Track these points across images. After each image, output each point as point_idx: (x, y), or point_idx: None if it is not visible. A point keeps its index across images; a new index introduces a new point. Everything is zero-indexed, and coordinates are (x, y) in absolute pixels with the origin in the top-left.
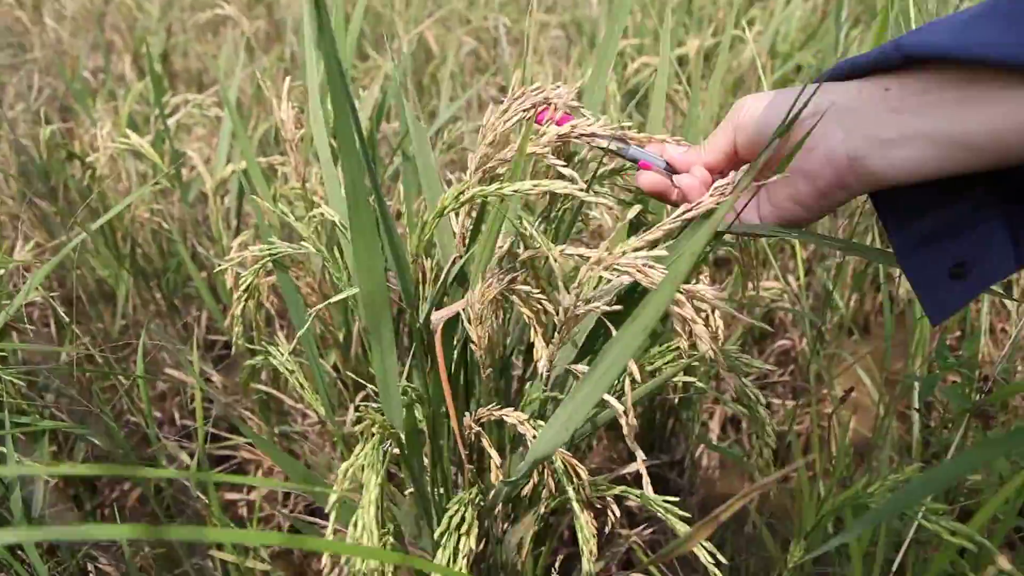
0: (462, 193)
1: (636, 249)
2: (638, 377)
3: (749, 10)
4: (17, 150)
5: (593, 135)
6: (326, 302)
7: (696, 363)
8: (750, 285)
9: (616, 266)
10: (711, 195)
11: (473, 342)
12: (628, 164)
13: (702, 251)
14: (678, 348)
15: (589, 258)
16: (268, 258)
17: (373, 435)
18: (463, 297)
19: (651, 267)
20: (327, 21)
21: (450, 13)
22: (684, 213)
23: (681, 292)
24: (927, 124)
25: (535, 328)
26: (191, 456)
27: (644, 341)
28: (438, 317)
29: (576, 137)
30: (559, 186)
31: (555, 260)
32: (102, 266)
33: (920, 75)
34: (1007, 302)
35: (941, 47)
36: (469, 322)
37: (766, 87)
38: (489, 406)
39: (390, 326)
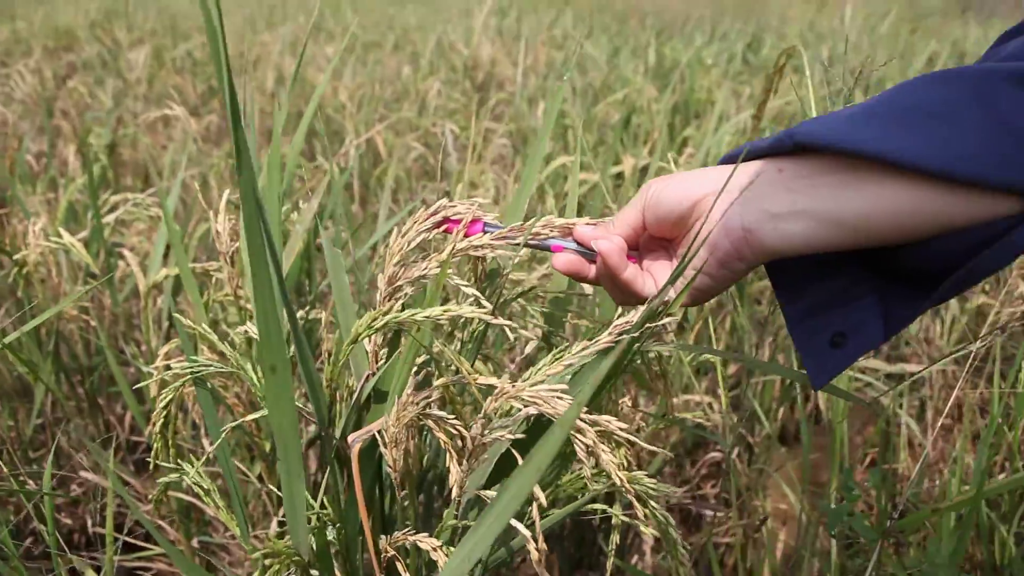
0: (375, 320)
1: (543, 379)
2: (544, 503)
3: (684, 129)
4: None
5: (491, 245)
6: (241, 419)
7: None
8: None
9: (521, 397)
10: (610, 332)
11: (388, 465)
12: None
13: (606, 381)
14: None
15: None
16: (189, 376)
17: (272, 566)
18: (383, 414)
19: (557, 398)
20: (247, 159)
21: (400, 120)
22: (592, 345)
23: (584, 421)
24: (812, 203)
25: (450, 453)
26: (97, 571)
27: (547, 470)
28: (354, 438)
29: (475, 248)
30: (467, 311)
31: (473, 386)
32: (20, 362)
33: (809, 160)
34: (920, 422)
35: (824, 139)
36: (384, 445)
37: None
38: (404, 530)
39: (298, 455)
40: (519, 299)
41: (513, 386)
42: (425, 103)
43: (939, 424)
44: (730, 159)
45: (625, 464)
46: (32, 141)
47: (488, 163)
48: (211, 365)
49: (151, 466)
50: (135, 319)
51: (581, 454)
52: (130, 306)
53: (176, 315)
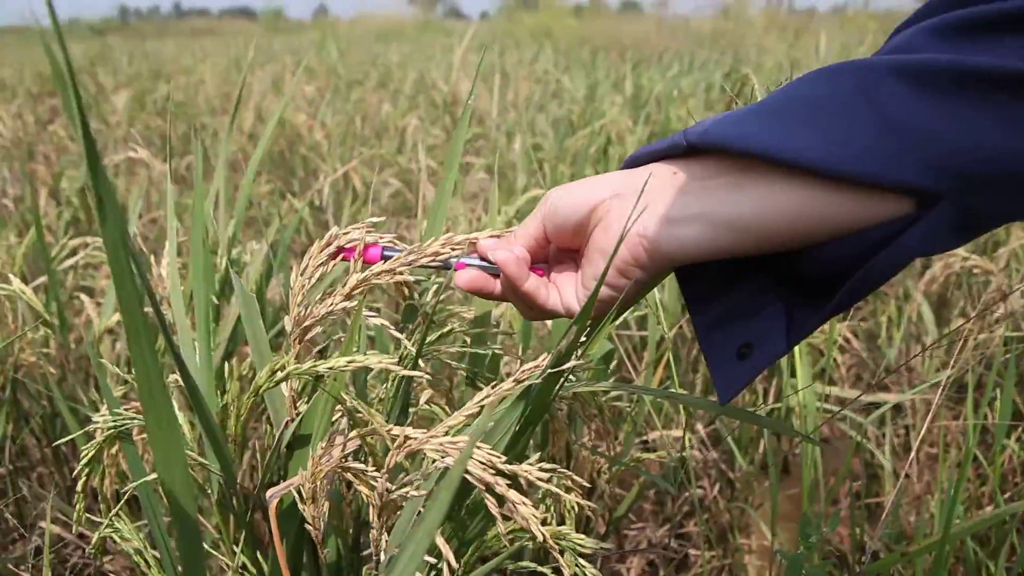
0: (277, 371)
1: (446, 430)
2: (453, 563)
3: None
4: None
5: (391, 272)
6: (144, 479)
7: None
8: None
9: (425, 449)
10: (521, 375)
11: (308, 522)
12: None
13: (524, 427)
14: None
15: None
16: (112, 430)
17: None
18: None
19: (456, 449)
20: (112, 208)
21: (376, 156)
22: (492, 393)
23: (501, 473)
24: (705, 206)
25: (373, 506)
26: None
27: (475, 524)
28: (271, 494)
29: (376, 277)
30: (373, 361)
31: (387, 438)
32: None
33: (703, 161)
34: (907, 452)
35: (716, 138)
36: (302, 501)
37: None
38: None
39: (192, 516)
40: (445, 338)
41: (415, 438)
42: (404, 139)
43: (918, 454)
44: (632, 162)
45: (571, 509)
46: (10, 186)
47: (465, 198)
48: (135, 418)
49: (76, 522)
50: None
51: (492, 508)
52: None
53: (100, 362)
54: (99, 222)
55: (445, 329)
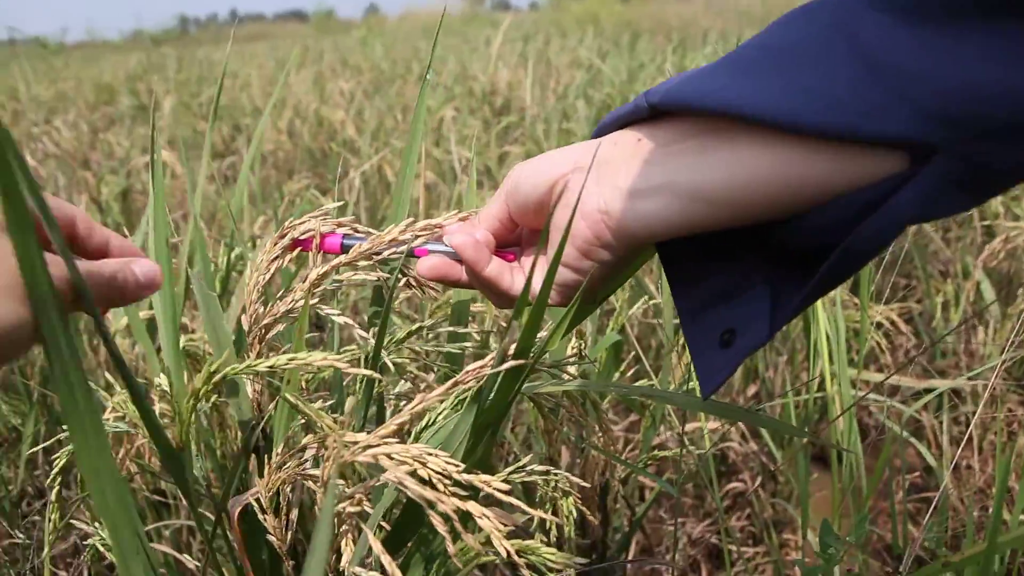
0: (214, 372)
1: (378, 439)
2: None
3: None
4: None
5: (354, 264)
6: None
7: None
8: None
9: (358, 460)
10: (467, 373)
11: (270, 532)
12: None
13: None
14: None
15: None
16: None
17: None
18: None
19: (387, 456)
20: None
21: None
22: (431, 396)
23: (459, 483)
24: (669, 175)
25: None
26: None
27: (437, 541)
28: (233, 504)
29: (336, 271)
30: (316, 359)
31: (339, 443)
32: (12, 412)
33: (668, 126)
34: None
35: (677, 97)
36: (262, 511)
37: None
38: None
39: (132, 530)
40: (412, 337)
41: (348, 448)
42: (440, 131)
43: (981, 444)
44: (600, 131)
45: (570, 514)
46: (63, 193)
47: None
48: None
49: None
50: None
51: (439, 526)
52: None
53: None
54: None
55: (414, 326)
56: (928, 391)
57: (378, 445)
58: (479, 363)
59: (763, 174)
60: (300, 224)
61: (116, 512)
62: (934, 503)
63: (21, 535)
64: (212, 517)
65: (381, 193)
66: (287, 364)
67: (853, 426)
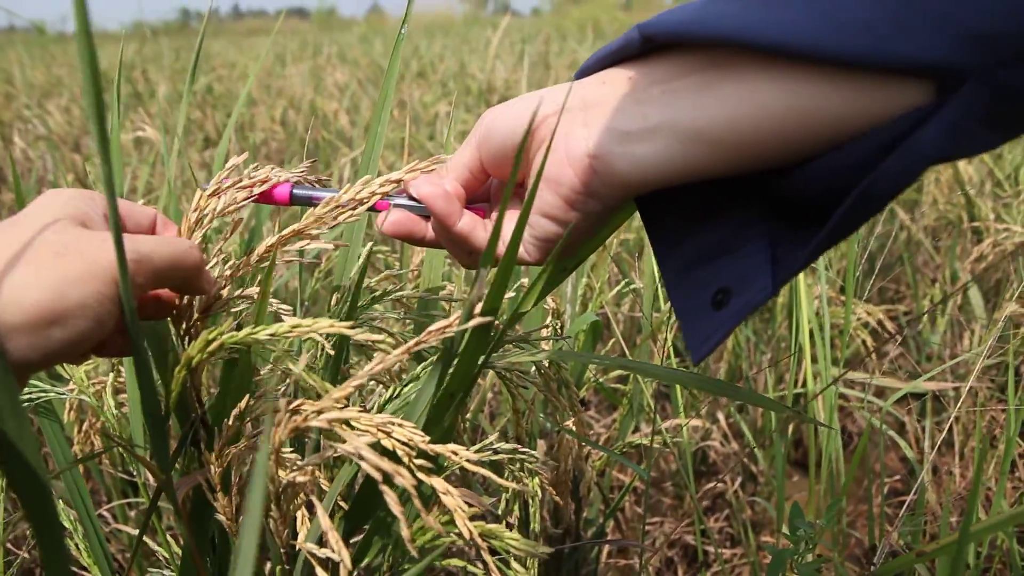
0: (210, 341)
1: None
2: (348, 563)
3: None
4: None
5: (305, 232)
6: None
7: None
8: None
9: (311, 425)
10: (430, 332)
11: (219, 513)
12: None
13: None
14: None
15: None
16: (27, 403)
17: None
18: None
19: (343, 424)
20: None
21: (399, 139)
22: (388, 359)
23: (424, 454)
24: (668, 114)
25: (272, 494)
26: None
27: (407, 520)
28: (180, 486)
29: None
30: (322, 326)
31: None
32: None
33: (664, 61)
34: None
35: (677, 25)
36: (211, 490)
37: None
38: None
39: (52, 513)
40: (375, 305)
41: (299, 413)
42: (435, 126)
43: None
44: (582, 72)
45: (535, 494)
46: (51, 173)
47: None
48: (50, 391)
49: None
50: None
51: (392, 504)
52: None
53: None
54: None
55: (377, 292)
56: (914, 396)
57: (333, 411)
58: (443, 322)
59: (775, 110)
60: (243, 173)
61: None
62: (909, 499)
63: None
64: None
65: None
66: (289, 332)
67: (834, 419)
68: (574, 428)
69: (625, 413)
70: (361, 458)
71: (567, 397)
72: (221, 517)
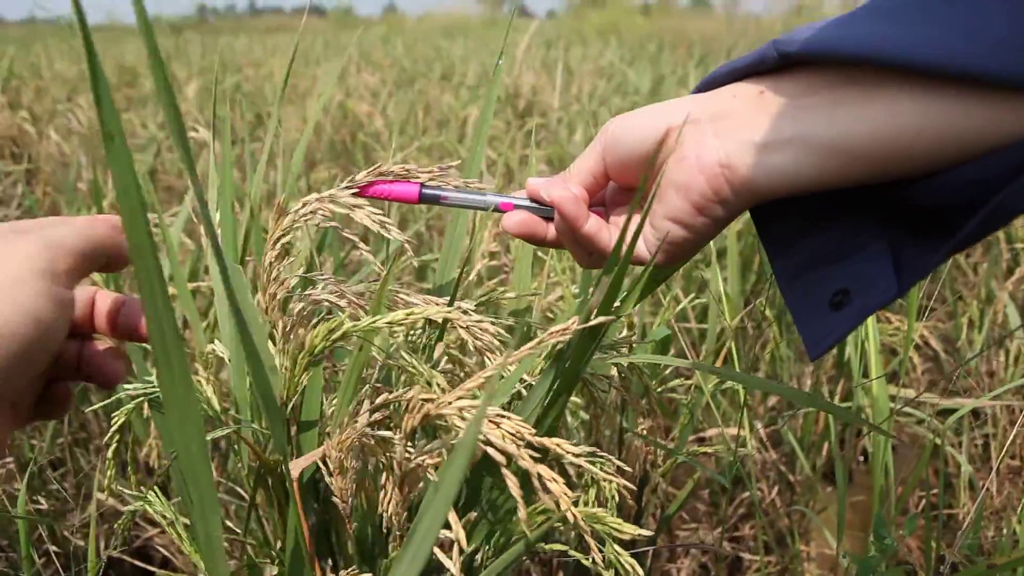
0: (333, 330)
1: (462, 394)
2: (464, 544)
3: None
4: None
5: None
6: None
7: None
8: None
9: (445, 413)
10: (551, 332)
11: (335, 496)
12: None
13: (555, 396)
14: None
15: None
16: (142, 398)
17: None
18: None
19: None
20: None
21: (434, 144)
22: (519, 353)
23: (531, 445)
24: (802, 128)
25: (391, 478)
26: None
27: (501, 503)
28: (296, 466)
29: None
30: (433, 311)
31: (415, 402)
32: None
33: (797, 76)
34: (985, 463)
35: (818, 43)
36: (329, 474)
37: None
38: (349, 568)
39: (210, 486)
40: (477, 306)
41: (431, 401)
42: (465, 130)
43: (999, 466)
44: (705, 85)
45: (613, 497)
46: (85, 170)
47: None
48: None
49: (104, 494)
50: None
51: (512, 487)
52: None
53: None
54: (107, 155)
55: (484, 295)
56: (950, 411)
57: (465, 399)
58: (562, 325)
59: (914, 127)
60: (379, 170)
61: (197, 460)
62: (971, 513)
63: (43, 502)
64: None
65: None
66: (404, 319)
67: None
68: (646, 433)
69: (686, 423)
70: (488, 443)
71: (647, 402)
72: (336, 499)
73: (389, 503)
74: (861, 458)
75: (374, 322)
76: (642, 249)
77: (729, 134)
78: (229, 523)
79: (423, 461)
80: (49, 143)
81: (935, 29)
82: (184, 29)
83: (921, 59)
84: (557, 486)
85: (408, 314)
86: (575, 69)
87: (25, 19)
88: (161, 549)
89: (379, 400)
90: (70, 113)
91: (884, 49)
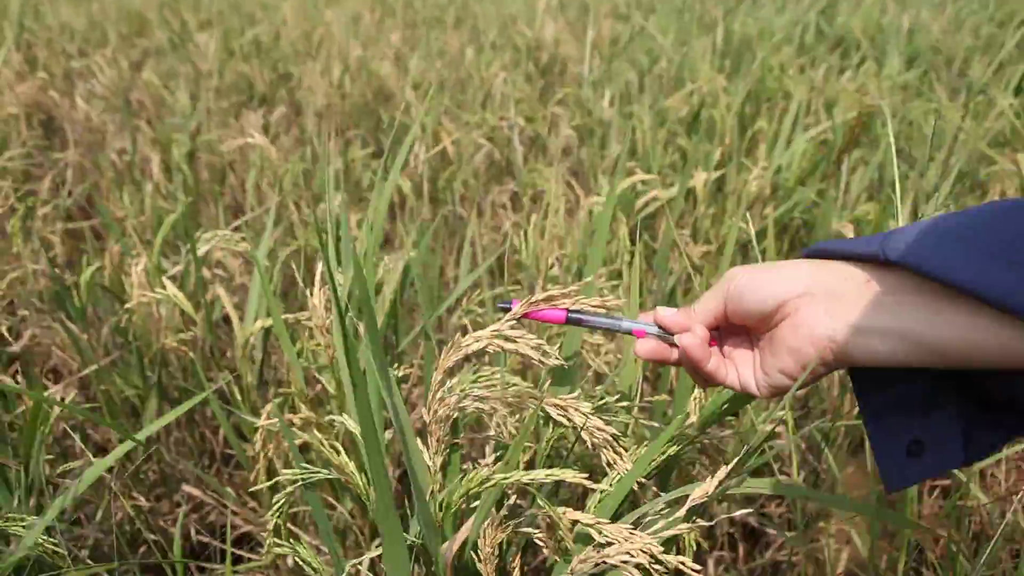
0: (485, 480)
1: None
2: None
3: (755, 121)
4: (53, 279)
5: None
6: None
7: None
8: None
9: (608, 560)
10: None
11: None
12: None
13: None
14: None
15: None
16: (301, 483)
17: None
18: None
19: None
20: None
21: (471, 122)
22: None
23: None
24: (901, 323)
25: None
26: None
27: None
28: (446, 548)
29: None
30: (569, 475)
31: (563, 523)
32: (128, 386)
33: (897, 275)
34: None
35: (917, 264)
36: (480, 562)
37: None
38: None
39: (406, 558)
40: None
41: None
42: (490, 93)
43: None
44: (817, 253)
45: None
46: (114, 137)
47: (555, 158)
48: (319, 472)
49: (266, 549)
50: (226, 342)
51: None
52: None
53: (289, 429)
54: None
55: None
56: None
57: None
58: (712, 480)
59: (996, 345)
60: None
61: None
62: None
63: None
64: None
65: (438, 161)
66: (545, 478)
67: None
68: None
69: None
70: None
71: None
72: None
73: None
74: None
75: (520, 478)
76: (750, 383)
77: (839, 315)
78: None
79: (577, 567)
80: (77, 111)
81: (1016, 276)
82: None
83: (1013, 304)
84: None
85: (548, 474)
86: (592, 12)
87: None
88: None
89: (532, 511)
90: (92, 78)
91: (977, 286)
